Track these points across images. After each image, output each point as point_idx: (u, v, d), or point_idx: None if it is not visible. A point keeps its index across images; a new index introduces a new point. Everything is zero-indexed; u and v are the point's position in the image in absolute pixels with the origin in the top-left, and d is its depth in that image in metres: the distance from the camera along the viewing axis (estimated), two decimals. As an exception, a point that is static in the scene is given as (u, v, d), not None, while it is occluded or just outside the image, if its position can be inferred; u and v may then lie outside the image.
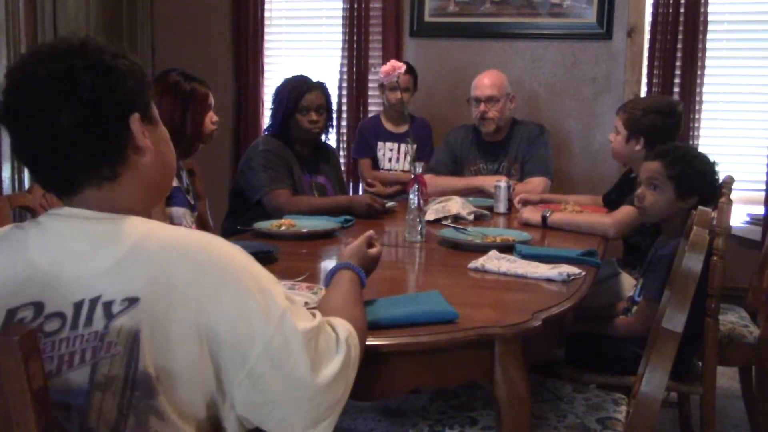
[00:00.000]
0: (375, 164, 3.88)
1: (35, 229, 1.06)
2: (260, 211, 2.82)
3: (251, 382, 1.02)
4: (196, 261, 1.02)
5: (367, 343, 1.28)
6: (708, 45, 3.91)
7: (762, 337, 2.36)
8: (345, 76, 4.38)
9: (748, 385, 2.55)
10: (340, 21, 4.35)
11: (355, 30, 4.32)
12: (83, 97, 1.04)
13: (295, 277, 1.73)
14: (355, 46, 4.33)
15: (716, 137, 4.00)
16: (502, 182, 3.02)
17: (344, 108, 4.40)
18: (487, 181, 3.26)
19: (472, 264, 1.95)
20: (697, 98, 3.94)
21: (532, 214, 2.70)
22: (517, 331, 1.43)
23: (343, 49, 4.36)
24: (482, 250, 2.13)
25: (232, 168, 4.48)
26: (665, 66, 3.94)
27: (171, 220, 2.35)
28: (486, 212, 2.88)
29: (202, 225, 2.73)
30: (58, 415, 0.98)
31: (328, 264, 1.75)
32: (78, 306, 0.99)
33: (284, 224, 2.47)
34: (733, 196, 2.32)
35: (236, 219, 2.88)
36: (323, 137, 3.17)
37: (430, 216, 2.65)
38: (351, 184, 4.32)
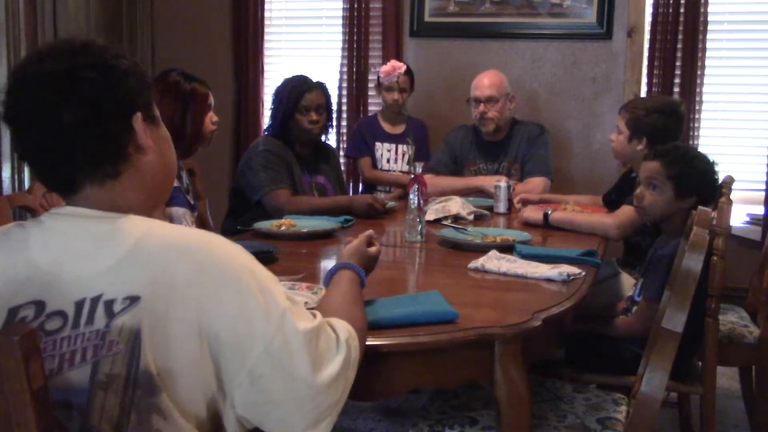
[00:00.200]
0: (373, 164, 3.88)
1: (36, 228, 1.06)
2: (260, 211, 2.82)
3: (251, 381, 1.02)
4: (197, 260, 1.02)
5: (367, 343, 1.28)
6: (708, 45, 3.91)
7: (762, 337, 2.36)
8: (345, 76, 4.37)
9: (748, 385, 2.55)
10: (340, 21, 4.35)
11: (355, 30, 4.32)
12: (84, 95, 1.04)
13: (294, 276, 1.73)
14: (355, 46, 4.33)
15: (716, 137, 4.00)
16: (502, 182, 3.02)
17: (344, 108, 4.40)
18: (487, 181, 3.26)
19: (472, 264, 1.95)
20: (697, 98, 3.94)
21: (533, 213, 2.70)
22: (517, 331, 1.43)
23: (343, 49, 4.36)
24: (482, 250, 2.13)
25: (232, 168, 4.48)
26: (665, 66, 3.94)
27: (171, 220, 2.35)
28: (486, 212, 2.88)
29: (202, 225, 2.73)
30: (59, 413, 0.98)
31: (328, 264, 1.75)
32: (79, 305, 0.99)
33: (284, 224, 2.47)
34: (733, 196, 2.32)
35: (236, 219, 2.88)
36: (323, 137, 3.17)
37: (430, 216, 2.65)
38: (351, 184, 4.32)
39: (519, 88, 3.93)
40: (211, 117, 2.52)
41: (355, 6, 4.30)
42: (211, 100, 2.53)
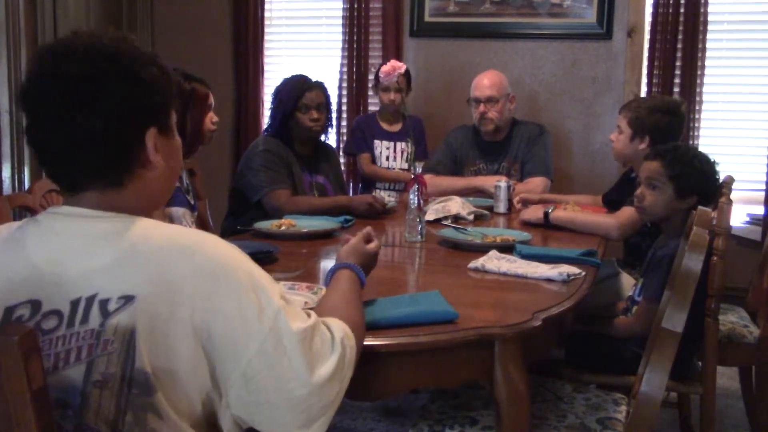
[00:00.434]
0: (372, 162, 3.88)
1: (34, 228, 1.06)
2: (260, 211, 2.82)
3: (245, 381, 1.02)
4: (193, 260, 1.02)
5: (367, 343, 1.28)
6: (708, 45, 3.91)
7: (762, 337, 2.36)
8: (345, 76, 4.37)
9: (748, 385, 2.55)
10: (340, 21, 4.35)
11: (355, 30, 4.32)
12: (103, 103, 1.04)
13: (292, 273, 1.73)
14: (355, 46, 4.33)
15: (716, 137, 4.00)
16: (502, 182, 3.02)
17: (344, 108, 4.40)
18: (487, 181, 3.26)
19: (472, 264, 1.95)
20: (697, 98, 3.94)
21: (533, 213, 2.70)
22: (517, 331, 1.43)
23: (343, 49, 4.36)
24: (482, 250, 2.13)
25: (232, 168, 4.48)
26: (665, 66, 3.94)
27: (171, 220, 2.35)
28: (486, 212, 2.88)
29: (202, 225, 2.73)
30: (54, 412, 0.98)
31: (328, 264, 1.75)
32: (75, 304, 0.99)
33: (284, 224, 2.47)
34: (733, 196, 2.32)
35: (236, 219, 2.88)
36: (323, 137, 3.17)
37: (430, 216, 2.65)
38: (351, 184, 4.32)
39: (519, 88, 3.93)
40: (211, 117, 2.52)
41: (355, 6, 4.30)
42: (212, 100, 2.53)
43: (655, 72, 3.97)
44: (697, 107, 3.94)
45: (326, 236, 2.42)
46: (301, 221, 2.53)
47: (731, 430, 2.74)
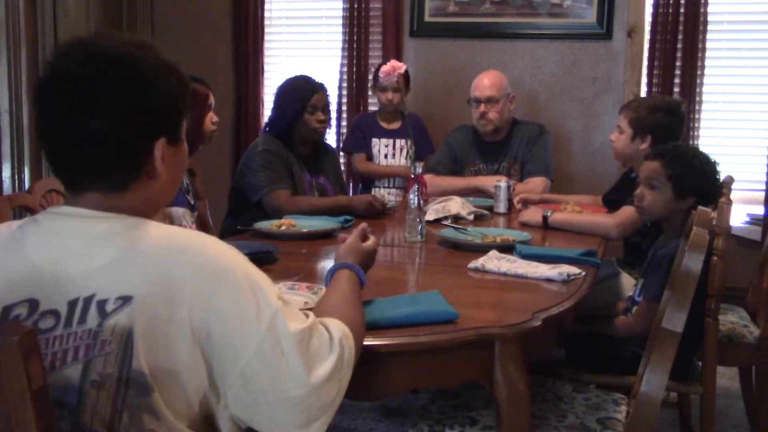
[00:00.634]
0: (370, 161, 3.88)
1: (33, 227, 1.07)
2: (260, 211, 2.82)
3: (244, 381, 1.02)
4: (191, 261, 1.02)
5: (367, 343, 1.28)
6: (708, 45, 3.91)
7: (762, 337, 2.36)
8: (345, 76, 4.37)
9: (748, 385, 2.55)
10: (340, 21, 4.35)
11: (355, 30, 4.32)
12: (116, 109, 1.04)
13: (292, 277, 1.73)
14: (355, 46, 4.33)
15: (716, 137, 4.00)
16: (502, 182, 3.02)
17: (344, 108, 4.39)
18: (487, 181, 3.26)
19: (472, 264, 1.95)
20: (697, 98, 3.93)
21: (532, 215, 2.70)
22: (517, 331, 1.43)
23: (343, 49, 4.36)
24: (482, 250, 2.13)
25: (232, 168, 4.48)
26: (665, 66, 3.94)
27: (171, 220, 2.35)
28: (486, 212, 2.88)
29: (202, 225, 2.73)
30: None
31: (328, 264, 1.76)
32: (72, 304, 1.00)
33: (284, 224, 2.47)
34: (733, 196, 2.32)
35: (236, 219, 2.88)
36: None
37: (430, 216, 2.65)
38: (351, 184, 4.32)
39: (519, 88, 3.93)
40: (211, 117, 2.52)
41: (355, 6, 4.30)
42: (212, 100, 2.53)
43: (655, 72, 3.97)
44: (697, 107, 3.94)
45: (326, 236, 2.42)
46: (301, 221, 2.53)
47: (731, 430, 2.74)
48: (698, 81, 3.92)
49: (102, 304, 0.99)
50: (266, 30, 4.53)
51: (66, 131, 1.05)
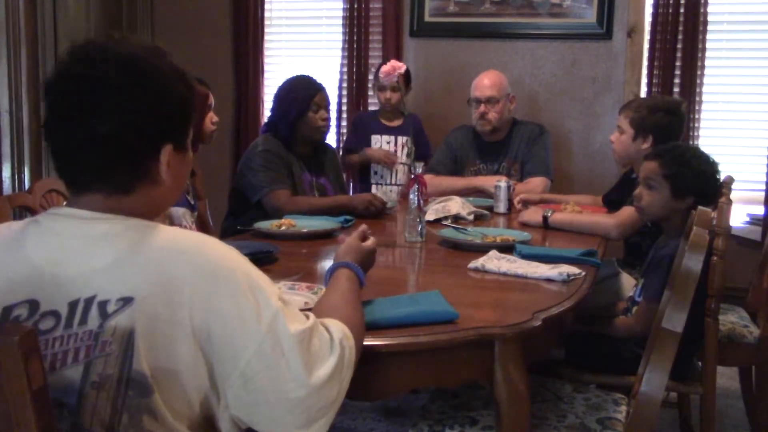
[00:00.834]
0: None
1: (34, 228, 1.07)
2: (260, 211, 2.82)
3: (244, 382, 1.02)
4: (192, 262, 1.02)
5: (367, 343, 1.28)
6: (708, 45, 3.91)
7: (762, 337, 2.36)
8: (345, 76, 4.37)
9: (748, 385, 2.55)
10: (340, 21, 4.35)
11: (355, 30, 4.32)
12: (124, 113, 1.04)
13: (292, 277, 1.73)
14: (355, 46, 4.33)
15: (716, 137, 4.00)
16: (502, 182, 3.02)
17: (344, 108, 4.39)
18: (487, 181, 3.26)
19: (472, 264, 1.95)
20: (697, 98, 3.93)
21: (532, 216, 2.70)
22: (517, 331, 1.43)
23: (343, 49, 4.36)
24: (482, 250, 2.13)
25: (232, 168, 4.48)
26: (665, 66, 3.94)
27: (171, 220, 2.35)
28: (486, 212, 2.88)
29: (202, 225, 2.73)
30: None
31: (328, 264, 1.76)
32: (73, 305, 1.00)
33: (284, 224, 2.47)
34: (733, 196, 2.32)
35: (236, 219, 2.88)
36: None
37: (430, 216, 2.65)
38: (351, 184, 4.32)
39: (519, 88, 3.93)
40: (211, 117, 2.52)
41: (355, 6, 4.30)
42: (212, 100, 2.53)
43: (655, 72, 3.97)
44: (697, 107, 3.94)
45: (326, 236, 2.42)
46: (301, 221, 2.53)
47: (731, 430, 2.74)
48: (698, 81, 3.92)
49: (103, 305, 0.99)
50: (266, 30, 4.53)
51: (72, 131, 1.05)
